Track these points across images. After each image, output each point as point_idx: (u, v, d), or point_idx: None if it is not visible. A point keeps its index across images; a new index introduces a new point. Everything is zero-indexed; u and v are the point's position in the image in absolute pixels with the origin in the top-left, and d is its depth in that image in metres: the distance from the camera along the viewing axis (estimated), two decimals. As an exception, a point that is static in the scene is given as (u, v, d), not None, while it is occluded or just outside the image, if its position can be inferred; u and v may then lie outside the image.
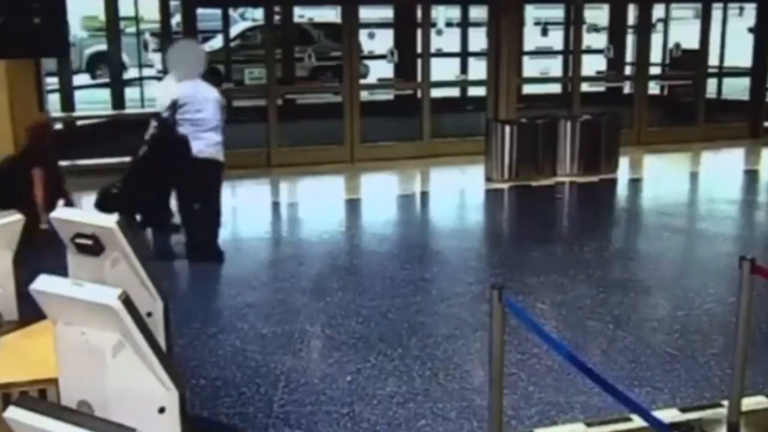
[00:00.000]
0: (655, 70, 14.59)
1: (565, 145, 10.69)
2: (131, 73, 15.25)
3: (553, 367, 5.02)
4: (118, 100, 13.02)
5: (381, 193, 10.26)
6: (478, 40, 14.32)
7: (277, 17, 13.22)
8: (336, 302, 6.33)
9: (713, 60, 13.80)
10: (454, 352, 5.40)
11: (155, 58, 15.02)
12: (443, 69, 14.26)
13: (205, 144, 7.12)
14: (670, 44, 15.29)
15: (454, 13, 17.10)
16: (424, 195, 10.43)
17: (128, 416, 2.55)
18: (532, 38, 15.89)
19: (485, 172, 10.48)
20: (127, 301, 2.83)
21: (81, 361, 2.91)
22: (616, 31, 15.83)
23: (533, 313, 5.69)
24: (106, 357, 2.84)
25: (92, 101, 14.08)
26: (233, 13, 19.52)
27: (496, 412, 3.96)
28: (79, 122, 12.70)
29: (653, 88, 14.30)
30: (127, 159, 7.49)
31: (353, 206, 9.78)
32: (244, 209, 9.64)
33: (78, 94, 12.95)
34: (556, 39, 15.81)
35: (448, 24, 18.24)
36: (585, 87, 13.59)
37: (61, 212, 3.87)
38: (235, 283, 6.84)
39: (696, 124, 13.02)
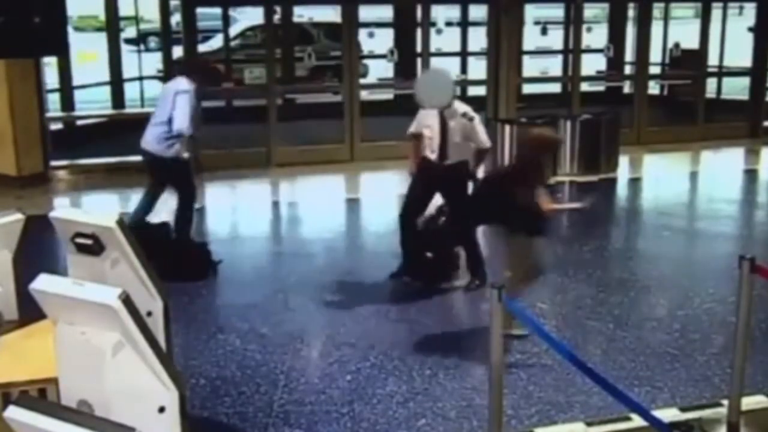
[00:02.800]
0: (654, 70, 14.58)
1: (564, 145, 10.68)
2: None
3: (553, 367, 5.02)
4: (119, 100, 13.03)
5: (381, 192, 10.25)
6: (478, 39, 14.31)
7: (276, 17, 13.20)
8: (336, 301, 6.34)
9: (713, 59, 13.79)
10: (454, 351, 5.40)
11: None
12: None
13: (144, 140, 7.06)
14: (670, 44, 15.29)
15: (454, 12, 17.06)
16: (424, 194, 10.42)
17: (128, 416, 2.55)
18: (532, 38, 15.87)
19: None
20: (127, 301, 2.83)
21: (81, 361, 2.91)
22: (615, 30, 15.83)
23: (533, 313, 5.69)
24: (106, 356, 2.84)
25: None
26: (233, 12, 19.50)
27: (496, 411, 3.96)
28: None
29: (653, 88, 14.29)
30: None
31: (353, 205, 9.78)
32: (244, 209, 9.65)
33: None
34: (556, 38, 15.80)
35: (448, 23, 18.21)
36: (585, 86, 13.58)
37: (60, 212, 3.87)
38: (236, 283, 6.85)
39: (696, 124, 13.02)
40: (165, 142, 6.94)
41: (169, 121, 6.86)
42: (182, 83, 6.99)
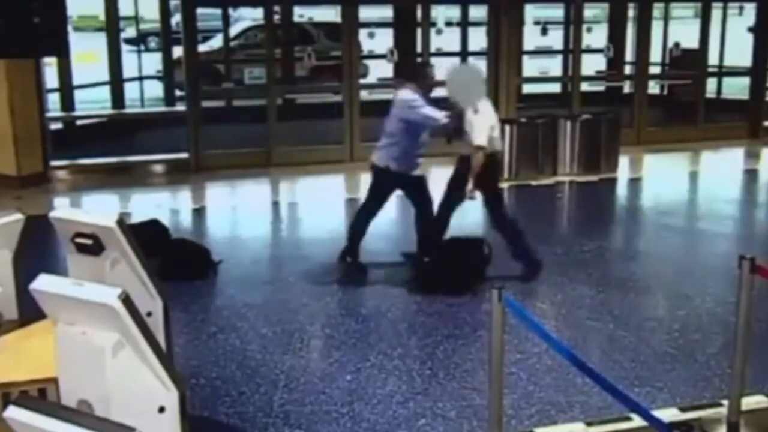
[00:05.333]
0: (654, 70, 14.58)
1: (565, 145, 10.69)
2: None
3: (553, 367, 5.02)
4: (119, 100, 13.02)
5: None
6: (478, 39, 14.31)
7: (276, 17, 13.20)
8: (336, 301, 6.34)
9: (713, 59, 13.79)
10: (454, 351, 5.40)
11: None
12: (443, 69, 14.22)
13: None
14: (670, 44, 15.28)
15: (454, 12, 17.07)
16: (424, 194, 10.42)
17: (128, 416, 2.54)
18: (532, 38, 15.88)
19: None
20: (127, 301, 2.83)
21: (81, 361, 2.91)
22: (615, 30, 15.83)
23: (533, 313, 5.68)
24: (106, 356, 2.84)
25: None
26: (233, 13, 19.50)
27: (496, 411, 3.96)
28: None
29: (653, 88, 14.29)
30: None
31: (353, 205, 9.76)
32: (244, 209, 9.64)
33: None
34: (556, 38, 15.80)
35: (448, 23, 18.22)
36: (585, 86, 13.57)
37: (60, 212, 3.87)
38: (236, 283, 6.84)
39: (696, 124, 13.01)
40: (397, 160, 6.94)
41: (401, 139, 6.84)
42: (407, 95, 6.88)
